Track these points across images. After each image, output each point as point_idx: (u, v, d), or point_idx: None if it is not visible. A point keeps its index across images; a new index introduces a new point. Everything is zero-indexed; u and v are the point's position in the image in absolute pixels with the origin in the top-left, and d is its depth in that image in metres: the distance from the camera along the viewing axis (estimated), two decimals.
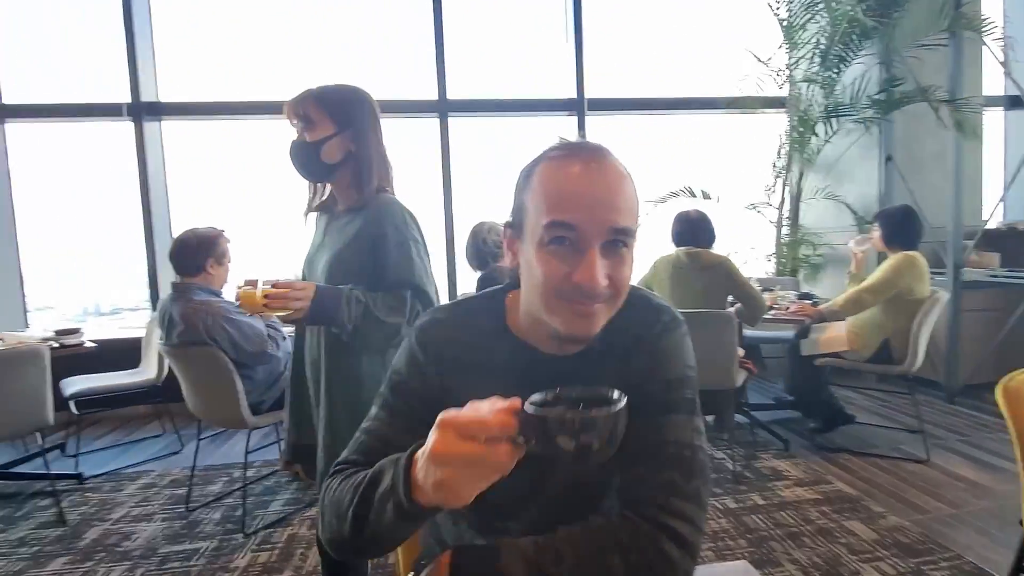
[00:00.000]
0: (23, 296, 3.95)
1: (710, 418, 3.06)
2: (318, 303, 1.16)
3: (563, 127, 4.29)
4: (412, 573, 0.76)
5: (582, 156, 0.65)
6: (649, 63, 4.58)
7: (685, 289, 2.63)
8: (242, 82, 4.16)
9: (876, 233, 2.80)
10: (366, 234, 1.24)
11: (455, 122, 4.14)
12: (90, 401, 2.97)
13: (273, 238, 4.64)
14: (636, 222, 0.66)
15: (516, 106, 4.29)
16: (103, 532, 2.21)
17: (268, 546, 2.06)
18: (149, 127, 3.86)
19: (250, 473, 2.61)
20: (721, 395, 2.66)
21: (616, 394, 0.51)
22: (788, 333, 3.09)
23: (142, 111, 3.80)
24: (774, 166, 4.25)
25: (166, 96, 3.98)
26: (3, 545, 2.13)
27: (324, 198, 1.38)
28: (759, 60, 4.11)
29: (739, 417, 3.05)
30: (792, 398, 3.27)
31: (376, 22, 4.50)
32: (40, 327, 3.70)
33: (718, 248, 2.72)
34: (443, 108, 4.09)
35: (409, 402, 0.72)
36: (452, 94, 4.09)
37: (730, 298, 2.67)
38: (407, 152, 4.52)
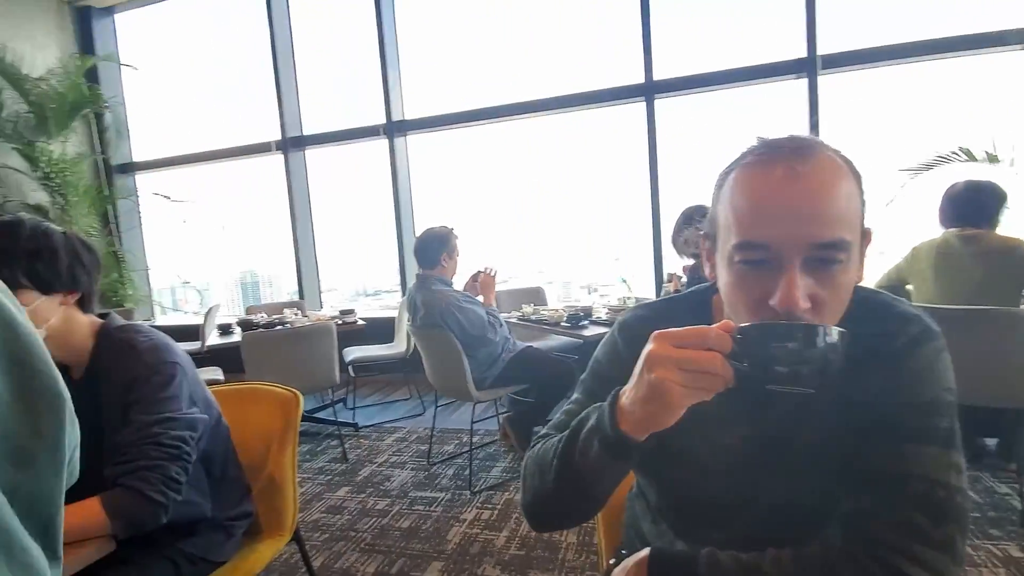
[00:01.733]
0: (319, 283, 5.15)
1: (992, 442, 2.44)
2: None
3: (791, 93, 3.79)
4: (613, 559, 0.82)
5: (779, 158, 0.57)
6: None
7: (956, 281, 2.13)
8: (465, 92, 4.70)
9: None
10: None
11: (663, 103, 4.01)
12: (362, 366, 3.75)
13: (497, 232, 5.15)
14: (854, 230, 0.57)
15: (732, 77, 3.92)
16: (372, 471, 2.80)
17: (490, 506, 2.36)
18: (398, 142, 4.63)
19: (475, 439, 2.98)
20: (1008, 415, 2.10)
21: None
22: None
23: (393, 130, 4.56)
24: None
25: (409, 114, 4.70)
26: (309, 471, 2.86)
27: None
28: None
29: None
30: None
31: (574, 10, 4.60)
32: (329, 307, 4.80)
33: (1008, 227, 2.13)
34: (649, 90, 3.99)
35: (607, 388, 0.74)
36: (658, 74, 3.96)
37: None
38: (613, 140, 4.56)
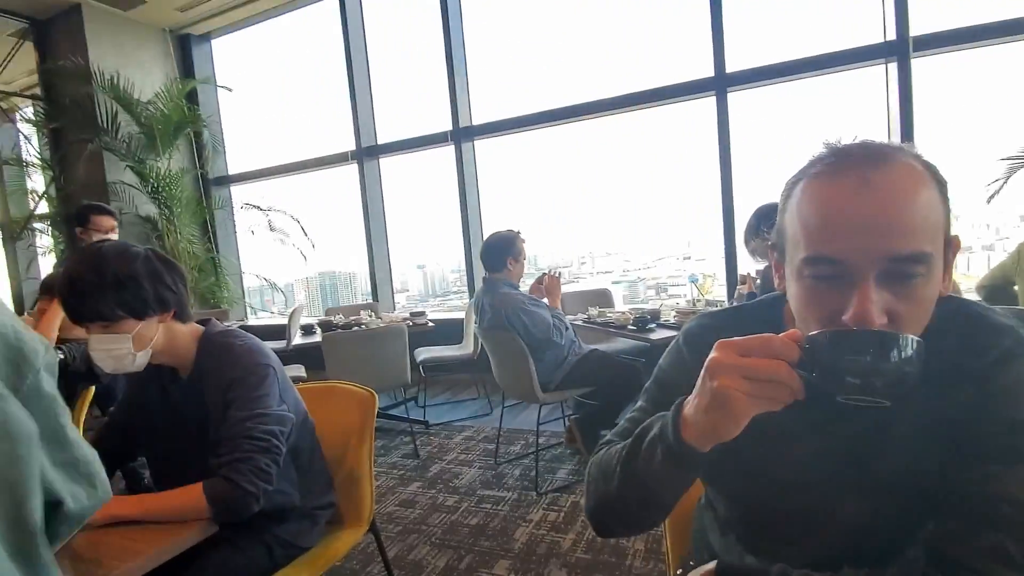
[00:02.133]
0: (391, 285, 5.38)
1: None
2: None
3: (875, 80, 3.52)
4: (680, 570, 0.82)
5: (850, 167, 0.54)
6: None
7: None
8: (531, 94, 4.73)
9: None
10: None
11: (736, 96, 3.85)
12: (432, 366, 3.88)
13: (564, 234, 5.15)
14: (935, 241, 0.54)
15: (812, 65, 3.70)
16: (441, 468, 2.89)
17: (556, 508, 2.37)
18: (465, 147, 4.74)
19: (541, 441, 3.00)
20: None
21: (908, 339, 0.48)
22: None
23: (460, 136, 4.68)
24: None
25: (476, 119, 4.80)
26: (383, 466, 3.00)
27: None
28: None
29: None
30: None
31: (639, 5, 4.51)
32: (400, 307, 5.00)
33: None
34: (721, 84, 3.85)
35: (671, 397, 0.72)
36: (731, 66, 3.81)
37: None
38: (682, 136, 4.43)
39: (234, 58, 5.98)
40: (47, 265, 5.62)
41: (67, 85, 4.99)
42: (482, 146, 4.86)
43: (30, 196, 5.44)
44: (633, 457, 0.62)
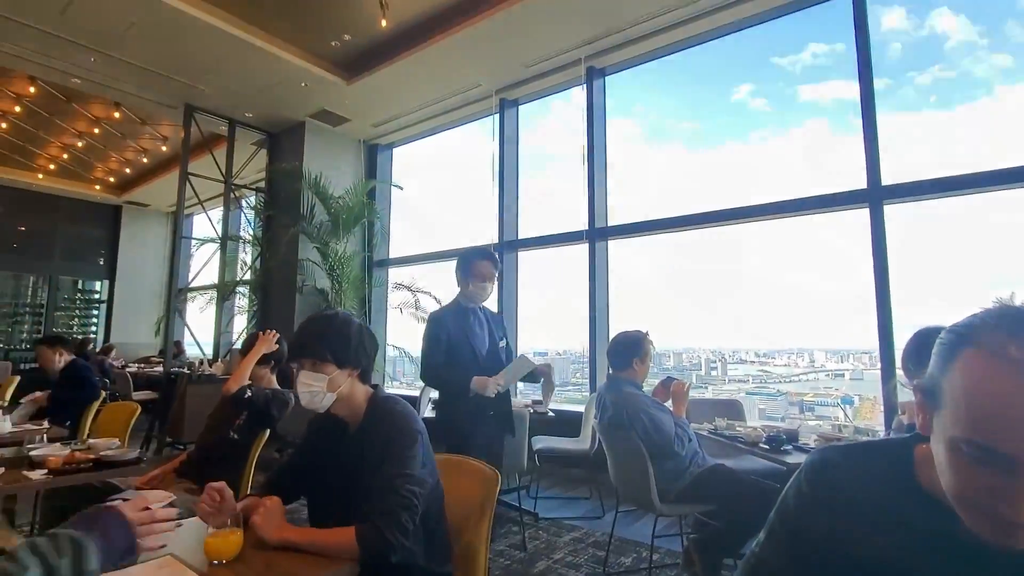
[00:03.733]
0: None
1: None
2: None
3: None
4: None
5: None
6: None
7: None
8: (669, 198, 4.90)
9: None
10: None
11: (891, 210, 3.64)
12: (547, 456, 3.89)
13: (691, 336, 5.02)
14: None
15: (986, 180, 3.40)
16: (547, 567, 2.82)
17: None
18: (599, 246, 4.97)
19: (655, 557, 2.82)
20: None
21: None
22: None
23: (595, 235, 4.95)
24: None
25: (612, 220, 5.05)
26: (490, 551, 2.99)
27: None
28: None
29: None
30: None
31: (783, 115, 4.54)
32: (520, 393, 5.13)
33: None
34: (875, 196, 3.67)
35: (793, 533, 0.70)
36: (888, 178, 3.65)
37: None
38: (835, 246, 4.22)
39: (406, 162, 7.07)
40: (240, 322, 6.78)
41: (284, 182, 6.28)
42: (618, 244, 5.06)
43: (239, 265, 6.73)
44: None
